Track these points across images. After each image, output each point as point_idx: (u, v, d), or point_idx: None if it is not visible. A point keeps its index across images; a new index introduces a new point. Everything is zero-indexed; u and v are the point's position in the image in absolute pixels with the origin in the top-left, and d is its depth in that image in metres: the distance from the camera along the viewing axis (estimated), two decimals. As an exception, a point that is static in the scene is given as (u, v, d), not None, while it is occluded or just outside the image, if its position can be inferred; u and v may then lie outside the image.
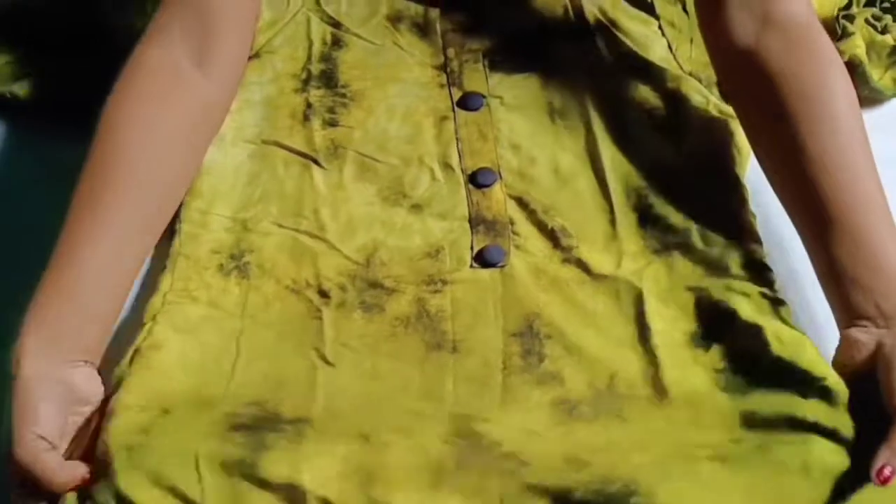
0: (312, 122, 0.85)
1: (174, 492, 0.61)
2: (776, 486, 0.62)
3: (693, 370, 0.70)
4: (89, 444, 0.66)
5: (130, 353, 0.70)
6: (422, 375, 0.71)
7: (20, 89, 0.91)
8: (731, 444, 0.65)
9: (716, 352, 0.71)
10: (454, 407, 0.68)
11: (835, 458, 0.63)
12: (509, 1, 0.93)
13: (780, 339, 0.70)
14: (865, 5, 0.96)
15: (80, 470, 0.64)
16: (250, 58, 0.87)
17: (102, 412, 0.67)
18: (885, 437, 0.63)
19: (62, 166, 0.75)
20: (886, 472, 0.62)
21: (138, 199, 0.74)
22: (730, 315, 0.72)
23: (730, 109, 0.85)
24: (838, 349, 0.70)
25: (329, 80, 0.88)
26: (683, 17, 0.93)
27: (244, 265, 0.77)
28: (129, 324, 0.74)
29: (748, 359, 0.70)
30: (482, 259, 0.76)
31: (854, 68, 0.91)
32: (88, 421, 0.67)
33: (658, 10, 0.93)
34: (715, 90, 0.88)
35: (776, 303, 0.73)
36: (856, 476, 0.62)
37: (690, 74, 0.88)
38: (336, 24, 0.92)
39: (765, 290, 0.74)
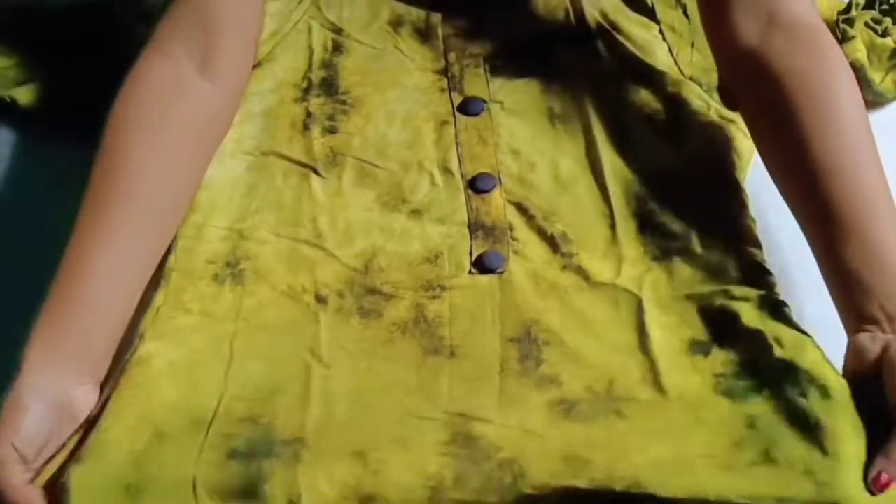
0: (312, 130, 0.84)
1: None
2: (778, 488, 0.62)
3: (693, 376, 0.70)
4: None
5: (118, 372, 0.70)
6: (418, 377, 0.70)
7: (22, 95, 0.91)
8: (732, 447, 0.64)
9: (716, 357, 0.71)
10: (450, 405, 0.68)
11: (835, 460, 0.63)
12: (511, 5, 0.93)
13: (781, 343, 0.69)
14: (864, 8, 0.96)
15: (35, 499, 0.64)
16: (253, 67, 0.87)
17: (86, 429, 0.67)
18: (884, 443, 0.63)
19: (63, 171, 0.75)
20: (883, 479, 0.62)
21: (145, 209, 0.74)
22: (730, 320, 0.72)
23: (730, 114, 0.85)
24: (846, 356, 0.70)
25: (329, 87, 0.88)
26: (684, 22, 0.93)
27: (239, 272, 0.76)
28: (122, 343, 0.73)
29: (749, 363, 0.70)
30: (481, 265, 0.76)
31: (855, 72, 0.90)
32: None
33: (659, 14, 0.93)
34: (715, 95, 0.87)
35: (777, 305, 0.73)
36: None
37: (691, 79, 0.88)
38: (337, 30, 0.92)
39: (765, 292, 0.73)
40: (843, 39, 0.93)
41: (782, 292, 0.74)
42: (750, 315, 0.72)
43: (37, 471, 0.65)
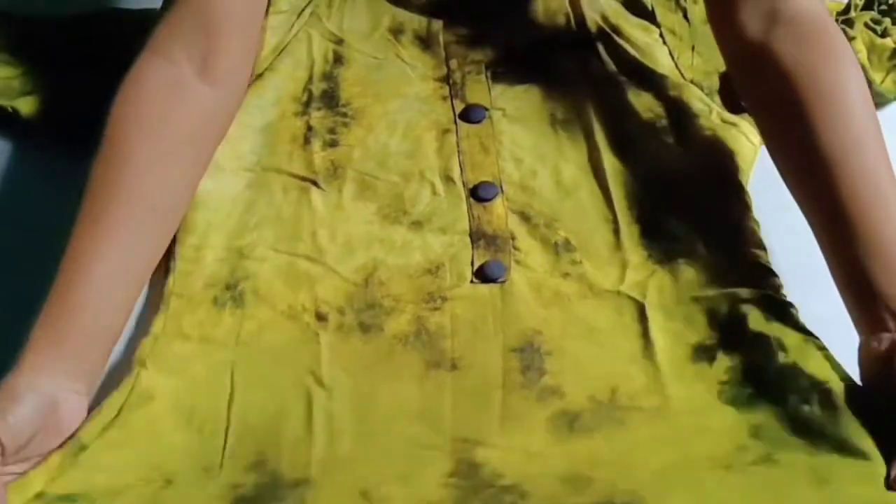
0: (313, 144, 0.84)
1: None
2: (782, 496, 0.62)
3: (697, 385, 0.70)
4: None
5: (119, 404, 0.69)
6: (421, 395, 0.70)
7: (24, 105, 0.91)
8: (736, 454, 0.64)
9: (720, 365, 0.71)
10: (454, 429, 0.68)
11: (842, 466, 0.63)
12: (512, 12, 0.93)
13: (785, 348, 0.69)
14: (863, 9, 0.96)
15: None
16: (255, 78, 0.87)
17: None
18: None
19: (64, 181, 0.75)
20: None
21: (144, 210, 0.74)
22: (736, 325, 0.72)
23: (732, 117, 0.86)
24: (859, 357, 0.69)
25: (330, 99, 0.87)
26: (684, 26, 0.93)
27: (239, 294, 0.76)
28: (120, 367, 0.73)
29: (753, 370, 0.70)
30: (482, 274, 0.76)
31: (857, 72, 0.90)
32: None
33: (659, 18, 0.93)
34: (717, 98, 0.88)
35: (783, 306, 0.73)
36: None
37: (692, 82, 0.88)
38: (338, 41, 0.91)
39: (770, 293, 0.73)
40: (843, 40, 0.93)
41: (788, 293, 0.74)
42: (755, 317, 0.72)
43: (8, 471, 0.63)
